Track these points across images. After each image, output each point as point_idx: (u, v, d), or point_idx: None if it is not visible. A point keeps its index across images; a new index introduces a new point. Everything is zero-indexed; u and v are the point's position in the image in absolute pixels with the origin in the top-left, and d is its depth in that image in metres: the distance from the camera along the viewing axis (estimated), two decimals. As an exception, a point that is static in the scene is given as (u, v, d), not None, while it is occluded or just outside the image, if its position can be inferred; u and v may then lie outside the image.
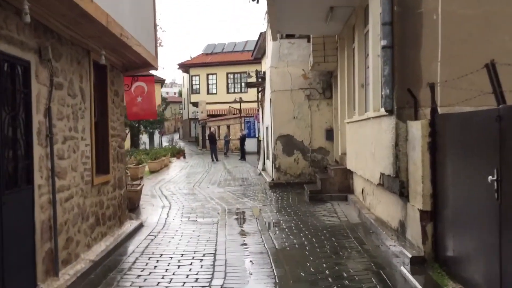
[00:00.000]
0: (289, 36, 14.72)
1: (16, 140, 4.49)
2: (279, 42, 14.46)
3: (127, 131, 38.89)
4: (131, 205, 10.20)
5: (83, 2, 4.75)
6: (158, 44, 29.14)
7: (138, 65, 8.35)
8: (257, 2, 13.10)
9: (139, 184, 11.24)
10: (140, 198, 11.13)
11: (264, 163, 18.87)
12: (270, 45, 15.28)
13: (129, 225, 8.27)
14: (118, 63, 8.04)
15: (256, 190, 14.13)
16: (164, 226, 8.78)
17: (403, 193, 6.42)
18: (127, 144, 39.66)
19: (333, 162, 14.18)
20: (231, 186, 15.15)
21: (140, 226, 8.58)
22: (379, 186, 7.73)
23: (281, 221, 9.12)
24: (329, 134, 14.28)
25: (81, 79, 6.23)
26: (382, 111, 7.00)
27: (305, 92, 14.39)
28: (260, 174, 18.46)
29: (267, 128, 17.10)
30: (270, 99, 14.77)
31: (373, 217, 8.32)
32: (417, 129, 5.85)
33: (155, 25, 8.70)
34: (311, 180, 14.15)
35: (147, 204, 11.34)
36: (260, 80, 19.47)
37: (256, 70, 24.79)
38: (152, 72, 34.75)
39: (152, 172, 20.57)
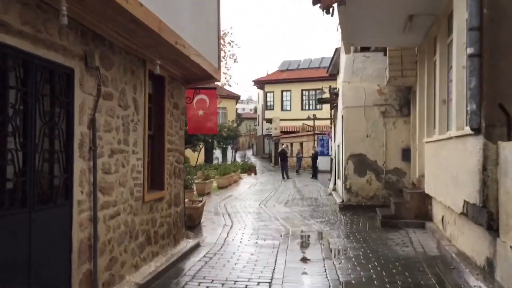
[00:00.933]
0: (364, 49, 13.91)
1: (53, 152, 4.18)
2: (352, 55, 13.69)
3: (201, 145, 39.82)
4: (191, 223, 9.85)
5: (130, 6, 4.40)
6: (231, 58, 28.96)
7: (200, 77, 8.01)
8: (332, 15, 12.45)
9: (201, 201, 10.88)
10: (201, 215, 10.77)
11: (335, 183, 17.97)
12: (343, 59, 14.53)
13: (185, 245, 7.86)
14: (178, 74, 7.74)
15: (324, 211, 13.32)
16: (222, 247, 8.28)
17: (492, 226, 5.43)
18: (201, 158, 40.28)
19: (410, 184, 13.06)
20: (299, 206, 14.44)
21: (197, 246, 8.15)
22: (462, 216, 6.73)
23: (349, 248, 8.30)
24: (406, 154, 13.20)
25: (135, 90, 5.93)
26: (467, 129, 6.07)
27: (379, 109, 13.45)
28: (330, 194, 17.58)
29: (338, 146, 16.25)
30: (342, 116, 13.97)
31: (455, 250, 7.27)
32: (510, 152, 4.90)
33: (219, 36, 8.34)
34: (384, 204, 13.11)
35: (209, 222, 10.95)
36: (333, 96, 18.68)
37: (330, 86, 23.98)
38: (228, 88, 35.04)
39: (220, 187, 20.35)
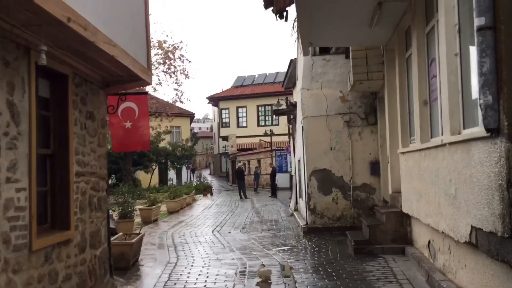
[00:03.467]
0: (323, 52, 12.51)
1: None
2: (311, 59, 12.24)
3: (153, 166, 37.50)
4: (124, 263, 7.92)
5: None
6: (182, 74, 26.95)
7: (124, 79, 6.22)
8: (285, 19, 10.93)
9: (139, 234, 8.96)
10: (138, 252, 8.84)
11: (296, 202, 16.38)
12: (300, 63, 13.06)
13: (108, 298, 5.94)
14: (93, 75, 5.92)
15: (287, 236, 11.63)
16: (158, 298, 6.41)
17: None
18: (155, 180, 37.97)
19: (381, 202, 11.62)
20: (257, 231, 12.70)
21: (125, 298, 6.25)
22: (466, 245, 5.19)
23: (320, 289, 6.63)
24: (375, 168, 11.77)
25: (10, 89, 4.09)
26: (475, 131, 4.57)
27: (344, 118, 12.01)
28: (292, 215, 15.95)
29: (299, 161, 14.70)
30: (302, 127, 12.44)
31: (453, 287, 5.74)
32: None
33: (148, 29, 6.58)
34: (354, 225, 11.59)
35: (149, 259, 9.02)
36: (290, 106, 17.20)
37: (287, 98, 22.60)
38: (181, 105, 32.76)
39: (171, 212, 18.35)
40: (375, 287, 6.53)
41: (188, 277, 7.59)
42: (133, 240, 8.09)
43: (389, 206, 10.17)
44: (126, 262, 7.95)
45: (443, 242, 6.41)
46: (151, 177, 37.28)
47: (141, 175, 37.97)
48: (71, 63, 5.18)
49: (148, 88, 33.26)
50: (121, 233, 8.91)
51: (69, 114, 5.17)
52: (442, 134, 6.24)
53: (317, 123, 12.10)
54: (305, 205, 12.54)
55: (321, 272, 7.59)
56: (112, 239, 8.24)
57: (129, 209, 11.78)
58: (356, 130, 11.98)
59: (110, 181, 33.96)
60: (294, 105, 16.62)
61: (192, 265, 8.46)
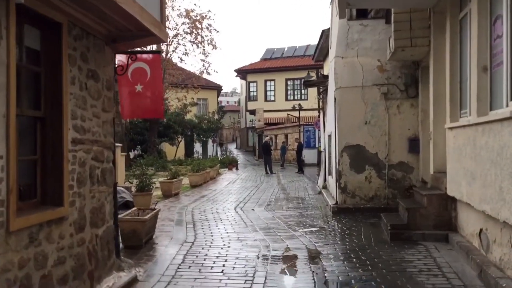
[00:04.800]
0: (361, 16, 11.38)
1: None
2: (347, 24, 11.13)
3: (179, 138, 36.99)
4: (135, 242, 7.23)
5: None
6: (210, 44, 26.06)
7: (133, 34, 5.37)
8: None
9: (154, 209, 8.24)
10: (153, 229, 8.15)
11: (325, 180, 15.47)
12: (335, 29, 11.96)
13: (111, 283, 5.23)
14: (97, 28, 5.09)
15: (315, 216, 10.78)
16: (168, 284, 5.67)
17: None
18: (180, 153, 37.55)
19: (419, 182, 10.61)
20: (283, 210, 11.89)
21: (132, 283, 5.53)
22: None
23: (353, 281, 5.78)
24: (413, 145, 10.72)
25: (-20, 33, 3.29)
26: None
27: (381, 90, 10.93)
28: (320, 192, 15.08)
29: (329, 136, 13.73)
30: (335, 99, 11.43)
31: (516, 287, 4.80)
32: None
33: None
34: (388, 206, 10.66)
35: (164, 237, 8.32)
36: (321, 78, 16.13)
37: (317, 69, 21.48)
38: (208, 77, 32.18)
39: (193, 186, 17.70)
40: (417, 281, 5.65)
41: (204, 259, 6.84)
42: (146, 217, 7.37)
43: (430, 188, 9.17)
44: (138, 240, 7.26)
45: (501, 233, 5.45)
46: (176, 150, 36.88)
47: (167, 147, 37.63)
48: (66, 10, 4.35)
49: (175, 59, 32.75)
50: (134, 208, 8.23)
51: (64, 70, 4.36)
52: (508, 105, 5.21)
53: (351, 94, 11.07)
54: (335, 183, 11.63)
55: (354, 260, 6.72)
56: (123, 214, 7.57)
57: (148, 182, 11.10)
58: (394, 103, 10.91)
59: (135, 152, 33.72)
60: (325, 77, 15.55)
61: (210, 246, 7.72)
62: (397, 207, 9.71)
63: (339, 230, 9.06)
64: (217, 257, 6.98)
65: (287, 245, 7.74)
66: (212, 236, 8.56)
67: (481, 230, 6.26)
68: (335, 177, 11.84)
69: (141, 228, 7.22)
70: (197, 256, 7.02)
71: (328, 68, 19.12)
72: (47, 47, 4.33)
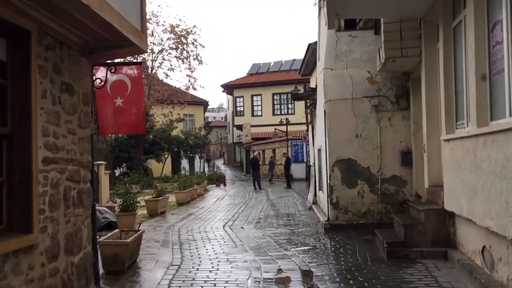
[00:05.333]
0: (349, 27, 11.17)
1: None
2: (335, 35, 10.89)
3: (165, 155, 36.42)
4: (117, 267, 6.76)
5: None
6: (195, 60, 25.63)
7: (110, 44, 4.99)
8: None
9: (138, 231, 7.78)
10: (137, 252, 7.68)
11: (315, 195, 15.11)
12: (323, 41, 11.71)
13: (89, 316, 4.77)
14: (72, 37, 4.70)
15: (306, 234, 10.39)
16: (152, 313, 5.22)
17: None
18: (167, 169, 36.93)
19: (413, 196, 10.31)
20: (273, 227, 11.47)
21: (112, 314, 5.08)
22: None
23: (351, 305, 5.39)
24: (406, 158, 10.43)
25: None
26: None
27: (372, 102, 10.67)
28: (310, 208, 14.71)
29: (319, 150, 13.40)
30: (324, 111, 11.13)
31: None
32: None
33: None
34: (381, 221, 10.34)
35: (149, 260, 7.85)
36: (309, 89, 15.87)
37: (304, 83, 21.28)
38: (195, 93, 31.89)
39: (180, 204, 17.21)
40: (420, 305, 5.27)
41: (192, 284, 6.40)
42: (129, 239, 6.91)
43: (425, 202, 8.85)
44: (121, 265, 6.79)
45: (508, 251, 5.12)
46: (163, 166, 36.32)
47: (153, 164, 37.04)
48: (36, 17, 3.97)
49: (161, 75, 32.37)
50: (117, 230, 7.76)
51: (33, 82, 3.96)
52: (511, 115, 4.92)
53: (341, 107, 10.78)
54: (327, 199, 11.27)
55: (350, 282, 6.33)
56: (104, 237, 7.11)
57: (132, 201, 10.63)
58: (386, 115, 10.64)
59: (121, 170, 33.07)
60: (313, 90, 15.30)
61: (198, 269, 7.27)
62: (391, 223, 9.38)
63: (332, 248, 8.67)
64: (205, 281, 6.54)
65: (279, 266, 7.32)
66: (199, 257, 8.11)
67: (484, 247, 5.93)
68: (326, 193, 11.49)
69: (123, 252, 6.76)
70: (183, 280, 6.57)
71: (316, 81, 18.92)
72: (14, 57, 3.94)
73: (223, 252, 8.50)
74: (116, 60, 6.21)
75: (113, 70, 5.60)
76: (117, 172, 31.99)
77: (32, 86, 3.94)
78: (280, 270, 7.07)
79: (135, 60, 5.95)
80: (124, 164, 33.36)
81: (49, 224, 4.24)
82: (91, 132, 5.27)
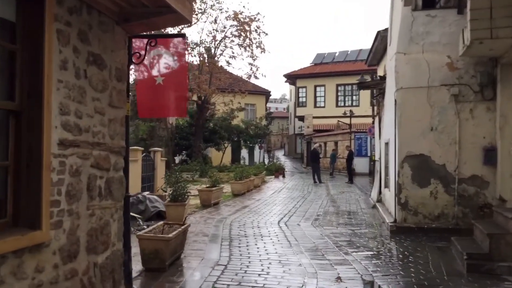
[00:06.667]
0: (428, 6, 9.89)
1: None
2: (411, 15, 9.69)
3: (225, 144, 36.13)
4: (158, 264, 6.13)
5: None
6: (258, 47, 25.10)
7: (148, 11, 4.27)
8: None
9: (183, 224, 7.13)
10: (182, 247, 7.03)
11: (380, 192, 13.94)
12: (396, 21, 10.50)
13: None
14: (105, 2, 4.03)
15: (369, 236, 9.36)
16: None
17: None
18: (227, 159, 36.66)
19: (495, 199, 8.99)
20: (332, 226, 10.51)
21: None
22: None
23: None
24: (490, 156, 9.10)
25: None
26: None
27: (451, 91, 9.40)
28: (374, 207, 13.57)
29: (386, 144, 12.23)
30: (395, 101, 9.97)
31: None
32: None
33: None
34: (457, 226, 9.14)
35: (194, 257, 7.19)
36: (377, 78, 14.64)
37: (372, 73, 19.92)
38: (256, 82, 31.83)
39: (235, 195, 16.58)
40: None
41: (236, 290, 5.64)
42: (171, 234, 6.25)
43: (510, 208, 7.59)
44: (161, 262, 6.16)
45: None
46: (222, 155, 36.02)
47: (213, 152, 36.89)
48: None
49: (222, 63, 31.99)
50: (160, 223, 7.15)
51: (46, 49, 3.29)
52: None
53: (414, 96, 9.60)
54: (394, 198, 10.14)
55: (424, 300, 5.32)
56: (145, 231, 6.50)
57: (182, 191, 10.05)
58: (467, 107, 9.33)
59: (181, 157, 33.13)
60: (382, 78, 14.06)
61: (246, 271, 6.50)
62: (469, 229, 8.22)
63: (400, 256, 7.61)
64: (253, 286, 5.75)
65: (338, 274, 6.41)
66: (249, 257, 7.34)
67: None
68: (393, 191, 10.36)
69: (164, 248, 6.12)
70: (228, 285, 5.82)
71: (384, 70, 17.57)
72: (27, 19, 3.29)
73: (276, 253, 7.69)
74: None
75: (153, 43, 4.91)
76: (177, 160, 32.07)
77: (46, 53, 3.28)
78: (339, 279, 6.17)
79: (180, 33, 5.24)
80: (184, 151, 33.39)
81: (66, 218, 3.59)
82: (126, 113, 4.59)
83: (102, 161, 4.13)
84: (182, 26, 28.30)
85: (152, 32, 5.03)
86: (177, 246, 6.65)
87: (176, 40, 5.19)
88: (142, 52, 4.86)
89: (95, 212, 4.02)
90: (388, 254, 7.81)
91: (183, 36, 5.33)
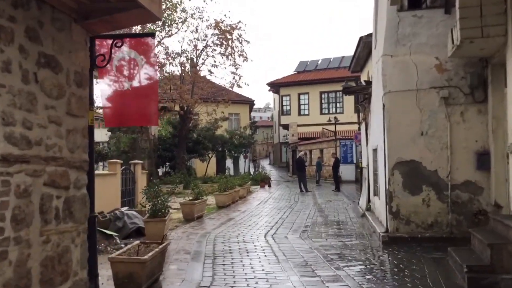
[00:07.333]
0: (414, 6, 9.55)
1: None
2: (397, 16, 9.33)
3: (209, 154, 35.53)
4: (133, 289, 5.55)
5: None
6: (240, 56, 24.81)
7: (112, 7, 3.77)
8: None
9: (161, 243, 6.56)
10: (160, 269, 6.45)
11: (368, 200, 13.51)
12: (382, 22, 10.14)
13: None
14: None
15: (360, 248, 8.88)
16: None
17: None
18: (211, 169, 36.00)
19: (490, 205, 8.63)
20: (321, 238, 10.02)
21: None
22: None
23: None
24: (483, 160, 8.74)
25: None
26: None
27: (440, 93, 9.03)
28: (363, 215, 13.13)
29: (375, 150, 11.82)
30: (383, 105, 9.57)
31: None
32: None
33: None
34: (452, 235, 8.74)
35: (174, 278, 6.61)
36: (363, 82, 14.29)
37: (355, 80, 19.64)
38: (240, 92, 31.53)
39: (220, 207, 16.00)
40: None
41: (220, 316, 5.10)
42: (146, 256, 5.68)
43: (509, 215, 7.20)
44: (136, 287, 5.58)
45: None
46: (207, 166, 35.37)
47: (197, 163, 36.24)
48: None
49: (204, 72, 31.51)
50: (135, 243, 6.57)
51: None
52: None
53: (403, 100, 9.21)
54: (385, 206, 9.70)
55: (426, 321, 4.84)
56: (117, 253, 5.93)
57: (162, 205, 9.48)
58: (458, 110, 8.97)
59: (164, 169, 32.41)
60: (367, 83, 13.70)
61: (230, 293, 5.97)
62: (464, 237, 7.85)
63: (395, 269, 7.14)
64: (238, 312, 5.22)
65: (330, 292, 5.91)
66: (234, 276, 6.80)
67: None
68: (384, 199, 9.92)
69: (139, 271, 5.55)
70: (211, 310, 5.28)
71: (368, 76, 17.26)
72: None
73: (263, 270, 7.16)
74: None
75: (119, 44, 4.40)
76: (160, 172, 31.36)
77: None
78: (331, 298, 5.66)
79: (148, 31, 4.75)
80: (168, 163, 32.68)
81: (13, 248, 3.04)
82: (88, 123, 4.05)
83: (59, 178, 3.59)
84: (163, 35, 27.91)
85: (118, 32, 4.51)
86: (154, 268, 6.08)
87: (144, 40, 4.69)
88: (108, 55, 4.34)
89: (51, 238, 3.47)
90: (382, 267, 7.34)
91: (152, 35, 4.81)
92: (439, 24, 9.10)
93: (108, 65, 4.42)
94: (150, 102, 4.71)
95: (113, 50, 4.41)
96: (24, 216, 3.17)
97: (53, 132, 3.53)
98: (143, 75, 4.65)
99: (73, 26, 3.83)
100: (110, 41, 4.39)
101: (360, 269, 7.21)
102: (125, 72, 4.63)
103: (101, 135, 34.05)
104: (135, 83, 4.64)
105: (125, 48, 4.54)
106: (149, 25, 26.43)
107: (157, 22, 27.60)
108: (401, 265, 7.31)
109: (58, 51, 3.63)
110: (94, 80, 4.56)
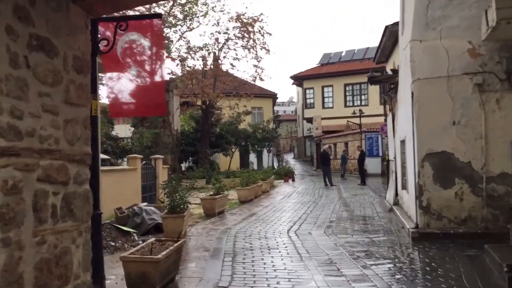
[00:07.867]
0: (444, -14, 8.94)
1: None
2: (426, -2, 8.76)
3: (233, 149, 35.24)
4: (146, 290, 5.24)
5: None
6: (262, 48, 24.46)
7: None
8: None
9: (177, 240, 6.23)
10: (176, 267, 6.13)
11: (396, 194, 12.96)
12: (410, 5, 9.56)
13: None
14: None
15: (389, 245, 8.40)
16: None
17: None
18: (235, 164, 35.72)
19: (530, 200, 8.01)
20: (347, 234, 9.56)
21: None
22: None
23: None
24: (521, 151, 8.15)
25: None
26: None
27: (474, 80, 8.46)
28: (391, 210, 12.59)
29: (402, 142, 11.27)
30: (412, 94, 9.03)
31: None
32: None
33: None
34: (487, 231, 8.20)
35: (191, 277, 6.29)
36: (389, 71, 13.69)
37: (381, 70, 18.95)
38: (262, 85, 31.20)
39: (242, 202, 15.67)
40: None
41: (238, 320, 4.74)
42: (160, 255, 5.36)
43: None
44: (151, 287, 5.27)
45: None
46: (230, 161, 35.12)
47: (220, 158, 36.02)
48: None
49: (226, 66, 31.23)
50: (151, 240, 6.25)
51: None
52: None
53: (433, 87, 8.67)
54: (414, 201, 9.18)
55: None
56: (130, 251, 5.63)
57: (180, 201, 9.17)
58: (493, 97, 8.39)
59: (186, 164, 32.29)
60: (394, 72, 13.12)
61: (250, 293, 5.61)
62: (501, 233, 7.40)
63: (427, 268, 6.66)
64: (257, 315, 4.85)
65: (357, 293, 5.49)
66: (254, 275, 6.44)
67: None
68: (413, 193, 9.40)
69: (153, 270, 5.23)
70: (228, 313, 4.93)
71: (393, 66, 16.61)
72: None
73: (285, 269, 6.77)
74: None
75: (123, 27, 4.06)
76: (183, 167, 31.24)
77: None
78: (358, 300, 5.24)
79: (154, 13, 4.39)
80: (191, 158, 32.54)
81: (0, 250, 2.72)
82: (90, 112, 3.73)
83: (56, 173, 3.26)
84: (184, 29, 27.66)
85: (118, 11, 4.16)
86: (169, 267, 5.76)
87: (151, 22, 4.34)
88: (111, 38, 4.00)
89: (47, 239, 3.15)
90: (412, 266, 6.87)
91: (159, 16, 4.44)
92: (472, 5, 8.51)
93: (112, 50, 4.10)
94: (156, 92, 4.36)
95: (117, 34, 4.07)
96: (14, 215, 2.85)
97: (48, 122, 3.20)
98: (150, 61, 4.31)
99: (70, 6, 3.50)
100: (114, 24, 4.06)
101: (389, 267, 6.76)
102: (131, 58, 4.30)
103: (125, 130, 34.14)
104: (141, 70, 4.30)
105: (130, 32, 4.21)
106: (170, 18, 26.35)
107: (177, 16, 27.47)
108: (433, 264, 6.82)
109: (54, 33, 3.30)
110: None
